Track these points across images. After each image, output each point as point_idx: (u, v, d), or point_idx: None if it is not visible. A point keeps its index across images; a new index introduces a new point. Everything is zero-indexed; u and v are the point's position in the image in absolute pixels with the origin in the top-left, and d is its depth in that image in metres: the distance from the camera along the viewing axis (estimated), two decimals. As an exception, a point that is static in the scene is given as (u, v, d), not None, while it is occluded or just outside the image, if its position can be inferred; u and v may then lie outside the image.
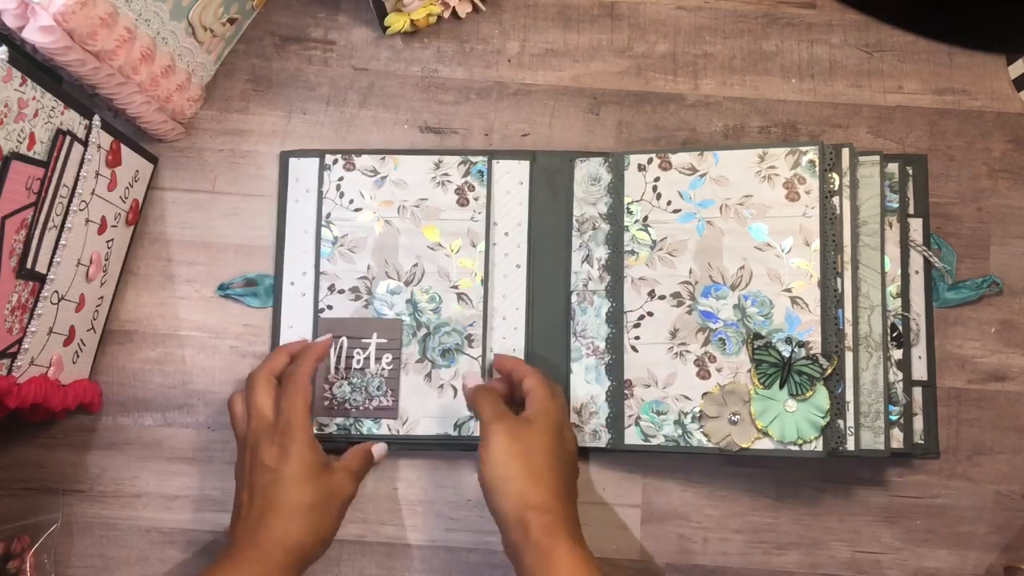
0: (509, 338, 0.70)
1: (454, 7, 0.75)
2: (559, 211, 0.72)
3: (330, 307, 0.70)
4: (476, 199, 0.71)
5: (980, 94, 0.75)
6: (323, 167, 0.71)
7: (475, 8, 0.76)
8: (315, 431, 0.66)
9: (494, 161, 0.72)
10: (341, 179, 0.71)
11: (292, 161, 0.72)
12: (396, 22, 0.74)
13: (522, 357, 0.70)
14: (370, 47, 0.76)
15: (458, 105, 0.75)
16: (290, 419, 0.61)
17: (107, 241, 0.68)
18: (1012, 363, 0.71)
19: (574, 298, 0.71)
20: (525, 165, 0.72)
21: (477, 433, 0.67)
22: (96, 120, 0.62)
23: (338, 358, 0.69)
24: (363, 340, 0.69)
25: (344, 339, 0.69)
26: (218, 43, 0.72)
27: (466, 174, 0.71)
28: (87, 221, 0.64)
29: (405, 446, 0.69)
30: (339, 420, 0.69)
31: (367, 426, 0.69)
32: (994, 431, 0.70)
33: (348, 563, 0.70)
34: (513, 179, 0.72)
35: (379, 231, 0.71)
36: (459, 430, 0.69)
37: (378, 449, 0.67)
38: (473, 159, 0.71)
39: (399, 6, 0.73)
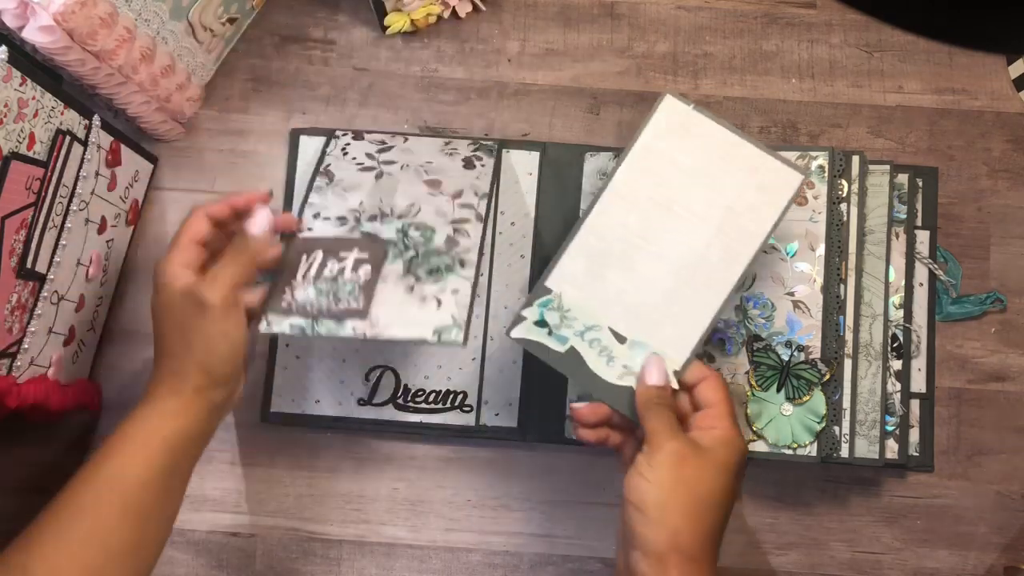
0: None
1: (454, 7, 0.75)
2: (567, 203, 0.72)
3: (310, 229, 0.64)
4: (483, 165, 0.68)
5: (980, 94, 0.75)
6: (329, 142, 0.71)
7: (475, 8, 0.76)
8: (263, 330, 0.59)
9: (504, 150, 0.71)
10: (348, 144, 0.70)
11: (303, 139, 0.73)
12: (396, 22, 0.74)
13: (521, 347, 0.62)
14: (370, 47, 0.76)
15: (458, 105, 0.75)
16: (167, 252, 0.57)
17: (107, 241, 0.68)
18: (1012, 363, 0.71)
19: None
20: (535, 156, 0.72)
21: (459, 339, 0.58)
22: (96, 120, 0.63)
23: (308, 267, 0.61)
24: (341, 254, 0.62)
25: (320, 252, 0.62)
26: (218, 43, 0.72)
27: (476, 148, 0.70)
28: (87, 221, 0.64)
29: (403, 429, 0.69)
30: (294, 320, 0.59)
31: (327, 326, 0.59)
32: (994, 431, 0.70)
33: (348, 563, 0.70)
34: (522, 169, 0.72)
35: (378, 179, 0.67)
36: (439, 336, 0.58)
37: (255, 223, 0.59)
38: (485, 142, 0.71)
39: (399, 6, 0.73)
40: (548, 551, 0.70)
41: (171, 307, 0.56)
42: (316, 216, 0.65)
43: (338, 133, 0.72)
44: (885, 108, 0.75)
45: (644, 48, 0.76)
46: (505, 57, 0.76)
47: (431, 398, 0.70)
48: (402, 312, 0.59)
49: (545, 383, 0.69)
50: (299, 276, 0.61)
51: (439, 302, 0.59)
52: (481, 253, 0.62)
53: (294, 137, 0.73)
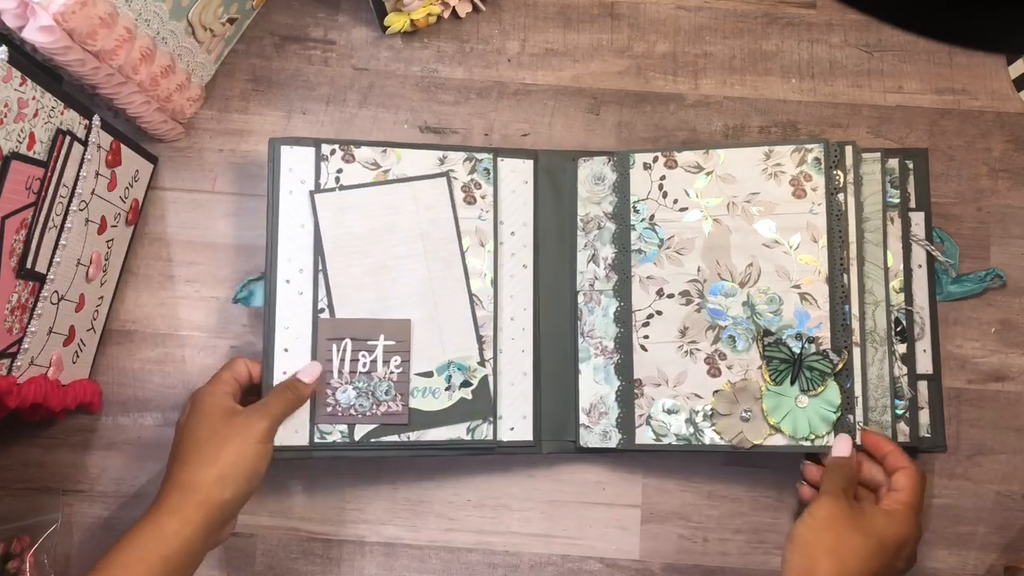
0: (518, 339, 0.69)
1: (454, 7, 0.75)
2: (563, 211, 0.72)
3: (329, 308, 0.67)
4: (483, 197, 0.70)
5: (980, 94, 0.75)
6: (320, 157, 0.68)
7: (475, 8, 0.76)
8: (317, 439, 0.65)
9: (499, 159, 0.71)
10: (340, 171, 0.68)
11: (284, 150, 0.67)
12: (396, 22, 0.74)
13: (530, 359, 0.69)
14: (370, 47, 0.76)
15: (458, 105, 0.75)
16: (208, 382, 0.63)
17: (107, 241, 0.68)
18: (1012, 363, 0.71)
19: (580, 298, 0.70)
20: (529, 164, 0.71)
21: (489, 437, 0.67)
22: (96, 120, 0.62)
23: (341, 361, 0.66)
24: (369, 342, 0.66)
25: (348, 341, 0.66)
26: (218, 43, 0.72)
27: (472, 171, 0.70)
28: (87, 221, 0.64)
29: (417, 452, 0.67)
30: (343, 427, 0.65)
31: (374, 432, 0.66)
32: (994, 431, 0.70)
33: (348, 563, 0.70)
34: (518, 178, 0.71)
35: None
36: (472, 434, 0.67)
37: (306, 369, 0.65)
38: (479, 156, 0.70)
39: (399, 6, 0.73)
40: (548, 551, 0.70)
41: (210, 420, 0.60)
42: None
43: (325, 151, 0.68)
44: (885, 108, 0.75)
45: (644, 48, 0.76)
46: (505, 57, 0.76)
47: None
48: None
49: (556, 393, 0.69)
50: (335, 372, 0.66)
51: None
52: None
53: (273, 148, 0.67)
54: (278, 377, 0.65)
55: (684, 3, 0.77)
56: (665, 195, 0.69)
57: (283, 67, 0.75)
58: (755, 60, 0.75)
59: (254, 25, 0.76)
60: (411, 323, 0.67)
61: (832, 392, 0.64)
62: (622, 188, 0.70)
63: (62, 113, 0.59)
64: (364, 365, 0.66)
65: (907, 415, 0.67)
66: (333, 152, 0.68)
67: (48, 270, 0.60)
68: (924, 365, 0.69)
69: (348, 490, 0.70)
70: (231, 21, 0.72)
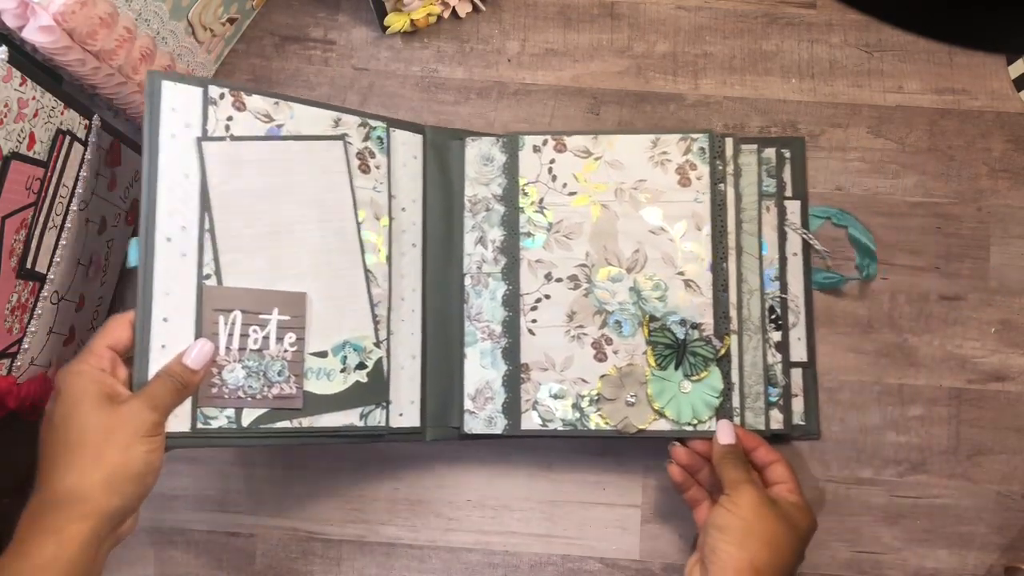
0: (407, 320, 0.66)
1: (454, 7, 0.75)
2: (450, 190, 0.70)
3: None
4: (377, 167, 0.66)
5: (980, 94, 0.75)
6: (208, 101, 0.59)
7: (475, 8, 0.76)
8: (200, 425, 0.56)
9: (392, 129, 0.67)
10: (230, 119, 0.60)
11: (166, 85, 0.57)
12: (396, 22, 0.74)
13: (419, 341, 0.67)
14: (370, 47, 0.76)
15: (458, 105, 0.75)
16: (76, 357, 0.52)
17: (107, 241, 0.68)
18: (1012, 363, 0.71)
19: (468, 281, 0.69)
20: (419, 139, 0.69)
21: (382, 423, 0.63)
22: (96, 120, 0.62)
23: (230, 336, 0.57)
24: (261, 316, 0.58)
25: (238, 313, 0.58)
26: (218, 43, 0.72)
27: (366, 138, 0.65)
28: (87, 221, 0.64)
29: (308, 440, 0.61)
30: (230, 411, 0.57)
31: (264, 417, 0.58)
32: (994, 431, 0.70)
33: (348, 563, 0.70)
34: (408, 151, 0.68)
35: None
36: (365, 420, 0.62)
37: (195, 356, 0.55)
38: (372, 123, 0.66)
39: (399, 6, 0.73)
40: (548, 551, 0.70)
41: (83, 410, 0.50)
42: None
43: (213, 95, 0.59)
44: (885, 108, 0.75)
45: (644, 48, 0.76)
46: (505, 57, 0.76)
47: None
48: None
49: (441, 378, 0.68)
50: (222, 348, 0.57)
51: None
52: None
53: (153, 82, 0.57)
54: (155, 351, 0.55)
55: (684, 3, 0.77)
56: (554, 179, 0.68)
57: (283, 67, 0.75)
58: (755, 60, 0.75)
59: (254, 25, 0.76)
60: (307, 297, 0.60)
61: (715, 378, 0.64)
62: (511, 170, 0.69)
63: (62, 113, 0.59)
64: (255, 342, 0.58)
65: (780, 403, 0.68)
66: (223, 96, 0.60)
67: (48, 270, 0.60)
68: (799, 353, 0.70)
69: (348, 490, 0.70)
70: (231, 21, 0.72)
